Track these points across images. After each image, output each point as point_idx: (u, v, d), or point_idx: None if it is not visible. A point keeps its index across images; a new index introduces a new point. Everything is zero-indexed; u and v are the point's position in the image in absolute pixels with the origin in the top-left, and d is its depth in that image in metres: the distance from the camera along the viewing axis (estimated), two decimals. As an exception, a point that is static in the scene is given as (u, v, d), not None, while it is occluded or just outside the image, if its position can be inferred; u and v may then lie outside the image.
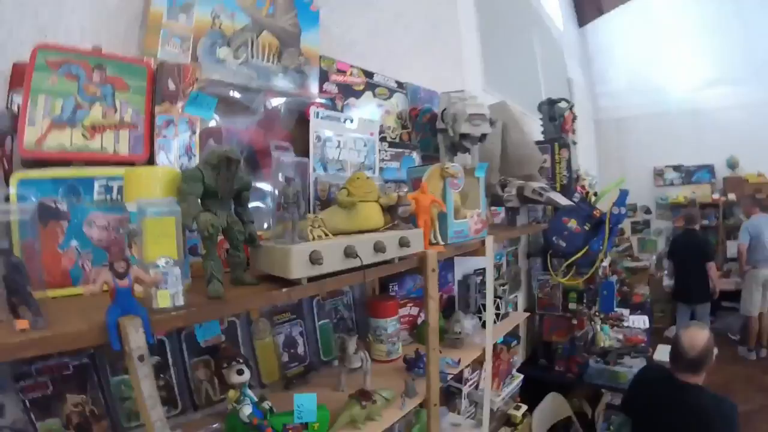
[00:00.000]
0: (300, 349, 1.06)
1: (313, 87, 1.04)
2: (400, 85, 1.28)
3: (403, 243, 0.86)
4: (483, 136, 1.14)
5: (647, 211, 5.27)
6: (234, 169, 0.70)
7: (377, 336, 1.12)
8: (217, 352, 0.92)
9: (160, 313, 0.56)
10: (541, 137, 2.19)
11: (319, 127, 0.96)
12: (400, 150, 1.22)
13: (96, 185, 0.73)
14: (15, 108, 0.72)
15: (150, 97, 0.80)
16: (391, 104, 1.23)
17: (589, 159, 4.31)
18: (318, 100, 1.03)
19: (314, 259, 0.68)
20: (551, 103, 2.15)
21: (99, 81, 0.76)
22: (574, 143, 2.20)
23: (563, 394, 2.34)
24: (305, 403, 0.81)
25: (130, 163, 0.76)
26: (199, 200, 0.66)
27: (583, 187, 2.21)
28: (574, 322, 2.41)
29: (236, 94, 0.90)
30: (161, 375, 0.87)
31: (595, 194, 2.35)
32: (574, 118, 2.24)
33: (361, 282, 0.81)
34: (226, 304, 0.64)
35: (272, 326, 1.01)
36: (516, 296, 2.38)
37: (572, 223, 1.94)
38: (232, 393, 0.79)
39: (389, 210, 0.93)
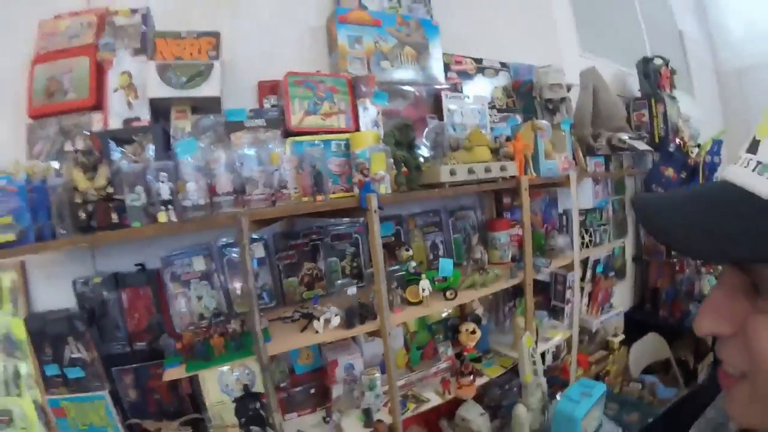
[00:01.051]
0: (440, 251, 1.66)
1: (441, 77, 1.61)
2: (503, 65, 1.77)
3: (503, 169, 1.40)
4: (562, 100, 1.59)
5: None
6: (407, 130, 1.31)
7: (493, 244, 1.66)
8: (389, 245, 1.56)
9: (382, 195, 1.20)
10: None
11: (448, 104, 1.53)
12: (506, 114, 1.73)
13: (333, 144, 1.39)
14: (268, 106, 1.40)
15: (352, 95, 1.44)
16: (498, 80, 1.73)
17: (712, 111, 4.17)
18: (445, 86, 1.60)
19: (451, 171, 1.26)
20: (646, 61, 2.40)
21: (323, 89, 1.43)
22: (672, 98, 2.41)
23: (667, 341, 2.51)
24: (446, 264, 1.40)
25: (347, 132, 1.42)
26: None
27: (682, 138, 2.40)
28: (677, 267, 2.61)
29: (398, 88, 1.52)
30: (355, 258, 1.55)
31: (698, 145, 2.51)
32: (672, 73, 2.44)
33: (477, 191, 1.37)
34: (408, 194, 1.26)
35: (423, 235, 1.63)
36: (623, 242, 2.65)
37: (669, 172, 2.23)
38: (405, 255, 1.42)
39: (494, 151, 1.47)
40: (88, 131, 1.25)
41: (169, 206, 1.11)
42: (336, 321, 1.26)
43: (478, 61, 1.72)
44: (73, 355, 1.35)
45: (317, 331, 1.26)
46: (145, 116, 1.31)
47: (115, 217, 1.12)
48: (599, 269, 2.13)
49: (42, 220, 1.14)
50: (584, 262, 1.96)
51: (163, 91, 1.27)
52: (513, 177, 1.46)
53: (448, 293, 1.40)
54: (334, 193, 1.33)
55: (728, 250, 0.35)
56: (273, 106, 1.40)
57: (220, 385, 1.39)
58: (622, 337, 2.27)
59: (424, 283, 1.36)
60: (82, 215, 1.11)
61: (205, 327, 1.27)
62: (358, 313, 1.28)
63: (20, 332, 1.34)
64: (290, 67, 1.48)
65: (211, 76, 1.29)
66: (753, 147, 0.37)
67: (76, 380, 1.35)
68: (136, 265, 1.42)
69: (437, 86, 1.59)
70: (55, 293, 1.40)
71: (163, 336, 1.37)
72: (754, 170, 0.36)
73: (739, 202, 0.36)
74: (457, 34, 1.72)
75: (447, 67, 1.65)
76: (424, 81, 1.57)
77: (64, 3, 1.36)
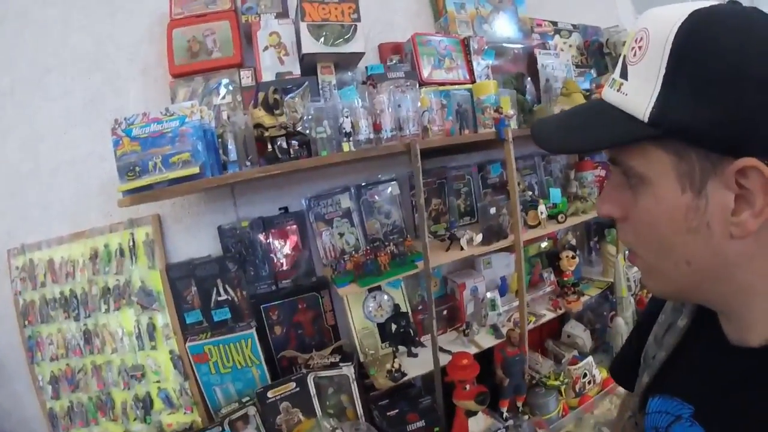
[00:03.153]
0: (535, 191, 1.97)
1: (528, 37, 1.94)
2: (574, 26, 2.10)
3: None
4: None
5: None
6: (522, 79, 1.62)
7: (581, 183, 1.97)
8: (499, 183, 1.86)
9: (513, 130, 1.50)
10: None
11: (542, 60, 1.85)
12: (582, 69, 2.06)
13: (457, 94, 1.68)
14: (395, 62, 1.69)
15: (465, 52, 1.75)
16: (572, 40, 2.06)
17: None
18: (534, 43, 1.93)
19: (562, 111, 1.58)
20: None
21: (443, 48, 1.72)
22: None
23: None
24: (555, 193, 1.71)
25: (465, 83, 1.71)
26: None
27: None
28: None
29: (499, 46, 1.83)
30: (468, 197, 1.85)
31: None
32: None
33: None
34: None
35: (522, 177, 1.93)
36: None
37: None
38: (523, 185, 1.72)
39: (586, 97, 1.79)
40: (268, 82, 1.50)
41: (350, 138, 1.38)
42: (479, 238, 1.55)
43: (554, 23, 2.04)
44: (220, 298, 1.57)
45: (462, 248, 1.54)
46: (297, 71, 1.56)
47: (296, 147, 1.37)
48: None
49: (212, 158, 1.30)
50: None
51: (315, 48, 1.53)
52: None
53: (559, 217, 1.70)
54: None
55: (593, 141, 0.50)
56: (399, 62, 1.69)
57: (364, 312, 1.66)
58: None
59: (542, 207, 1.66)
60: (270, 148, 1.36)
61: (368, 249, 1.53)
62: (495, 232, 1.57)
63: (157, 284, 1.52)
64: (403, 32, 1.77)
65: (357, 35, 1.56)
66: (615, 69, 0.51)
67: (222, 322, 1.56)
68: (279, 209, 1.67)
69: (528, 44, 1.91)
70: (193, 244, 1.62)
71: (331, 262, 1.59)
72: (610, 86, 0.50)
73: (601, 109, 0.50)
74: (536, 0, 2.06)
75: (531, 30, 1.97)
76: (518, 40, 1.89)
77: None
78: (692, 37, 0.41)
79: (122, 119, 1.22)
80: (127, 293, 1.52)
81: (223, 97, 1.55)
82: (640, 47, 0.45)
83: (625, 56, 0.48)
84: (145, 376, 1.52)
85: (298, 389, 1.47)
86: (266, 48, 1.56)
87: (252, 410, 1.46)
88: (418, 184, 1.39)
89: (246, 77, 1.57)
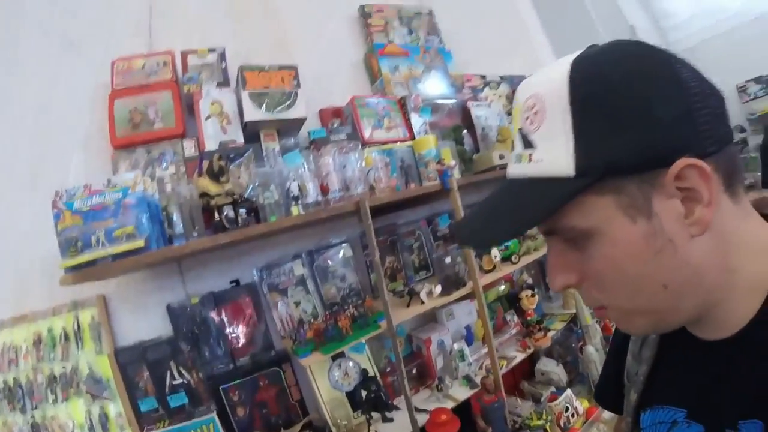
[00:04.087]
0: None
1: (460, 92, 2.08)
2: (502, 78, 2.26)
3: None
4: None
5: (741, 129, 5.52)
6: (459, 131, 1.72)
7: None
8: (449, 234, 1.91)
9: (457, 179, 1.57)
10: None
11: (476, 111, 1.99)
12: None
13: (399, 151, 1.74)
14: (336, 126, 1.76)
15: (402, 111, 1.84)
16: (501, 90, 2.23)
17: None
18: (466, 97, 2.07)
19: (500, 156, 1.69)
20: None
21: (380, 109, 1.81)
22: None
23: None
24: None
25: (405, 140, 1.79)
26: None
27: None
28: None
29: (433, 103, 1.95)
30: (421, 251, 1.88)
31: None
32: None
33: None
34: (475, 176, 1.65)
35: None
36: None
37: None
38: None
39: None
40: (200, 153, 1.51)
41: (299, 201, 1.39)
42: (437, 290, 1.56)
43: (483, 77, 2.20)
44: (175, 382, 1.48)
45: (423, 302, 1.55)
46: (240, 139, 1.58)
47: (244, 215, 1.35)
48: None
49: (157, 230, 1.27)
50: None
51: (258, 115, 1.56)
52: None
53: (513, 258, 1.76)
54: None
55: (529, 219, 0.47)
56: (341, 125, 1.75)
57: (330, 381, 1.60)
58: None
59: (494, 251, 1.72)
60: (217, 217, 1.33)
61: (328, 314, 1.50)
62: (453, 282, 1.59)
63: (107, 370, 1.43)
64: (342, 96, 1.85)
65: (298, 101, 1.62)
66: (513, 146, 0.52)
67: (179, 408, 1.46)
68: (231, 282, 1.62)
69: (460, 99, 2.05)
70: (142, 325, 1.53)
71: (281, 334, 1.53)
72: (517, 162, 0.50)
73: (518, 187, 0.50)
74: (463, 57, 2.21)
75: (462, 85, 2.11)
76: (451, 95, 2.02)
77: (127, 45, 1.62)
78: (584, 81, 0.44)
79: (63, 191, 1.18)
80: (74, 381, 1.40)
81: (166, 168, 1.53)
82: (535, 113, 0.47)
83: (521, 129, 0.49)
84: None
85: None
86: (208, 117, 1.57)
87: None
88: (371, 242, 1.40)
89: (189, 147, 1.57)
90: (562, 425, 1.77)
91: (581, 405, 1.84)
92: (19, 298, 1.43)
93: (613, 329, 0.80)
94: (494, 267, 1.72)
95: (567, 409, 1.80)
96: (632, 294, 0.48)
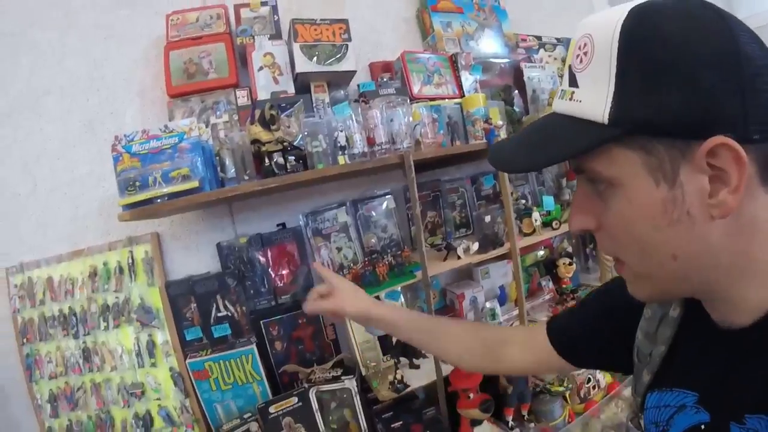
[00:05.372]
0: (528, 201, 2.05)
1: (513, 52, 2.06)
2: (558, 40, 2.22)
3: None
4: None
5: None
6: (509, 91, 1.72)
7: (573, 190, 2.06)
8: (492, 194, 1.95)
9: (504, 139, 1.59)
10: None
11: (528, 73, 1.97)
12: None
13: (447, 108, 1.77)
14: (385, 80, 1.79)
15: (453, 68, 1.85)
16: (557, 53, 2.18)
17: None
18: (520, 58, 2.05)
19: None
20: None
21: (431, 65, 1.82)
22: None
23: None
24: (548, 201, 1.79)
25: (454, 98, 1.81)
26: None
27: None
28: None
29: (486, 61, 1.95)
30: (463, 209, 1.92)
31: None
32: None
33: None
34: None
35: (515, 187, 2.02)
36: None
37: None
38: (515, 195, 1.80)
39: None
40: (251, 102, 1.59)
41: (345, 151, 1.46)
42: (475, 247, 1.62)
43: (539, 38, 2.16)
44: (220, 314, 1.62)
45: (459, 257, 1.61)
46: (291, 90, 1.65)
47: (293, 162, 1.43)
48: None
49: (210, 174, 1.37)
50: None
51: (309, 67, 1.62)
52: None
53: (554, 224, 1.78)
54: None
55: (556, 154, 0.49)
56: (390, 79, 1.79)
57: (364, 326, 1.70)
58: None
59: (536, 215, 1.74)
60: (267, 163, 1.42)
61: (367, 261, 1.59)
62: (491, 241, 1.64)
63: (157, 301, 1.57)
64: (392, 51, 1.88)
65: (348, 55, 1.67)
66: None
67: (222, 338, 1.61)
68: (277, 225, 1.74)
69: (514, 59, 2.03)
70: (192, 261, 1.68)
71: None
72: (561, 98, 0.51)
73: (557, 122, 0.51)
74: (518, 16, 2.17)
75: (516, 45, 2.09)
76: (504, 55, 2.01)
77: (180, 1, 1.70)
78: (636, 31, 0.43)
79: (122, 136, 1.29)
80: (126, 310, 1.56)
81: (220, 117, 1.63)
82: (585, 53, 0.47)
83: (571, 66, 0.49)
84: (144, 394, 1.55)
85: (300, 404, 1.50)
86: (261, 68, 1.64)
87: (254, 426, 1.49)
88: (413, 195, 1.46)
89: (242, 97, 1.65)
90: (581, 395, 1.82)
91: (604, 378, 1.87)
92: (76, 236, 1.59)
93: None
94: (534, 231, 1.75)
95: (589, 380, 1.84)
96: (642, 255, 0.49)
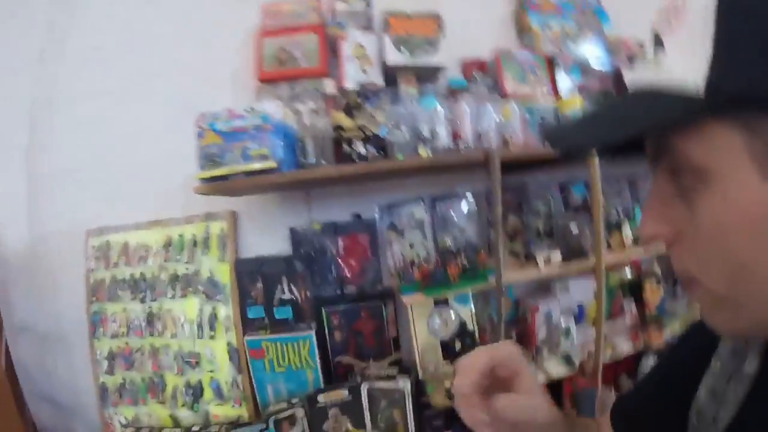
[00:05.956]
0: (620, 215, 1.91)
1: (615, 57, 1.94)
2: (662, 44, 2.06)
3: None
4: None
5: None
6: (609, 96, 1.61)
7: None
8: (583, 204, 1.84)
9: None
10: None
11: (629, 78, 1.84)
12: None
13: (540, 109, 1.68)
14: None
15: (549, 69, 1.77)
16: (659, 60, 2.03)
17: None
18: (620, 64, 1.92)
19: None
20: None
21: (526, 64, 1.75)
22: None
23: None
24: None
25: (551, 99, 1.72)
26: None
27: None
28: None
29: (584, 65, 1.85)
30: (548, 218, 1.82)
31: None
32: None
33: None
34: None
35: (606, 200, 1.89)
36: None
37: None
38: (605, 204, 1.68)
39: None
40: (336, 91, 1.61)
41: (428, 144, 1.43)
42: (557, 257, 1.53)
43: (641, 45, 2.02)
44: (284, 296, 1.64)
45: (539, 266, 1.52)
46: (379, 81, 1.65)
47: (373, 151, 1.41)
48: None
49: (291, 157, 1.39)
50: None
51: (398, 59, 1.62)
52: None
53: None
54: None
55: (628, 127, 0.38)
56: (481, 77, 1.74)
57: (429, 326, 1.66)
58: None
59: (627, 230, 1.62)
60: (347, 149, 1.41)
61: (438, 259, 1.55)
62: (575, 252, 1.54)
63: (225, 276, 1.62)
64: (484, 47, 1.82)
65: (439, 49, 1.64)
66: None
67: (283, 321, 1.62)
68: (352, 215, 1.74)
69: (616, 64, 1.91)
70: (264, 242, 1.71)
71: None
72: (647, 67, 0.46)
73: (638, 94, 0.40)
74: (622, 20, 2.04)
75: (618, 49, 1.96)
76: (603, 59, 1.89)
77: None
78: None
79: (208, 114, 1.34)
80: (194, 282, 1.63)
81: (306, 104, 1.67)
82: (675, 12, 0.40)
83: (657, 33, 0.42)
84: (199, 364, 1.61)
85: (350, 398, 1.50)
86: (350, 59, 1.66)
87: (300, 412, 1.50)
88: (496, 195, 1.40)
89: (329, 86, 1.66)
90: None
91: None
92: (159, 207, 1.69)
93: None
94: (623, 247, 1.62)
95: None
96: (733, 277, 0.37)
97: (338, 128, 1.43)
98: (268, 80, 1.68)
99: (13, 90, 1.70)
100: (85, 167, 1.70)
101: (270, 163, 1.29)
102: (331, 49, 1.71)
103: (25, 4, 1.71)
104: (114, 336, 1.66)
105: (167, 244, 1.66)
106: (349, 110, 1.45)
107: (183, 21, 1.72)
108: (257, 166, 1.29)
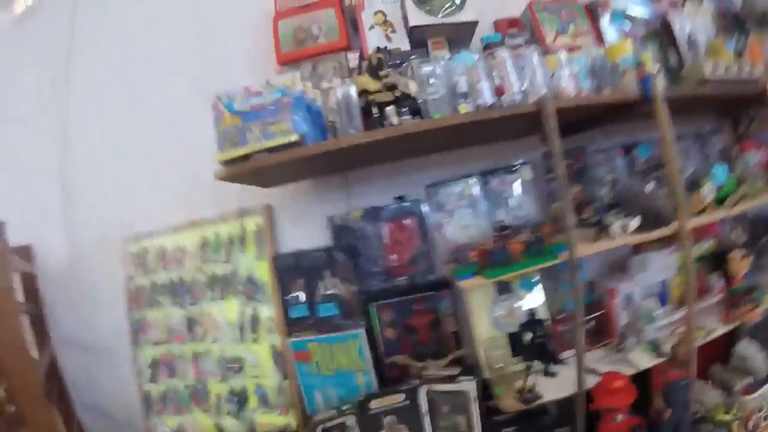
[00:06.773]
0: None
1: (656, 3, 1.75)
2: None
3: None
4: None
5: None
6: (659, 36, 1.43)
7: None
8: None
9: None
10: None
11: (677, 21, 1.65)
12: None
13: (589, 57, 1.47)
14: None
15: (591, 18, 1.59)
16: (704, 8, 1.84)
17: None
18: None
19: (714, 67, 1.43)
20: None
21: (566, 15, 1.57)
22: None
23: None
24: (719, 171, 1.46)
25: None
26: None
27: None
28: None
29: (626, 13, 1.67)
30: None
31: None
32: None
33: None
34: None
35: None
36: None
37: None
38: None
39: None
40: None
41: (468, 99, 1.23)
42: (634, 224, 1.30)
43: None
44: (328, 292, 1.49)
45: (614, 237, 1.30)
46: (406, 46, 1.50)
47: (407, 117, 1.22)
48: None
49: (317, 132, 1.26)
50: None
51: (424, 19, 1.45)
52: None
53: (726, 201, 1.42)
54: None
55: None
56: (517, 34, 1.55)
57: (491, 317, 1.44)
58: None
59: (707, 188, 1.39)
60: (377, 113, 1.23)
61: (497, 236, 1.34)
62: (652, 219, 1.31)
63: (264, 274, 1.50)
64: (515, 4, 1.65)
65: (467, 5, 1.47)
66: None
67: (328, 318, 1.47)
68: (395, 197, 1.55)
69: (659, 11, 1.72)
70: (303, 235, 1.59)
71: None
72: None
73: None
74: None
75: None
76: (645, 6, 1.71)
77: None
78: None
79: (224, 95, 1.22)
80: (233, 282, 1.53)
81: (330, 81, 1.53)
82: None
83: None
84: (242, 369, 1.52)
85: (407, 403, 1.32)
86: (372, 27, 1.55)
87: (351, 420, 1.33)
88: (555, 150, 1.19)
89: (353, 59, 1.55)
90: (750, 427, 1.43)
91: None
92: (190, 207, 1.63)
93: None
94: (704, 209, 1.40)
95: (762, 408, 1.45)
96: None
97: (364, 92, 1.25)
98: (287, 62, 1.59)
99: (37, 106, 1.76)
100: (114, 175, 1.71)
101: (292, 137, 1.15)
102: (350, 21, 1.61)
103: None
104: (156, 343, 1.62)
105: (203, 245, 1.60)
106: (373, 70, 1.26)
107: (202, 15, 1.72)
108: (278, 141, 1.16)
